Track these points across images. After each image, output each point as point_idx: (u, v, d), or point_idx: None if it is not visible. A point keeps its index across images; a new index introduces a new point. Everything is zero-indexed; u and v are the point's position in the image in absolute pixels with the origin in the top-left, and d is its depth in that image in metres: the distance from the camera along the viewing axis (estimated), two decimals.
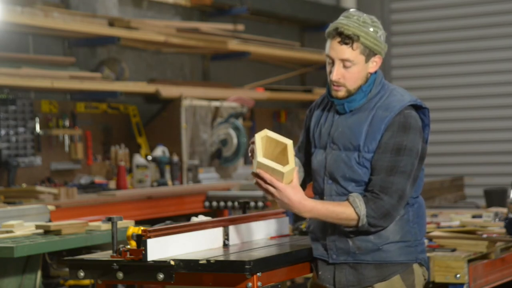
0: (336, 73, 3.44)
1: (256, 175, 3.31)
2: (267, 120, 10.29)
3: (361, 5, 11.17)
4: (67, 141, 7.44)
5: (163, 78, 8.65)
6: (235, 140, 8.53)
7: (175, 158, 7.92)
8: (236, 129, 8.56)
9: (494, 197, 8.14)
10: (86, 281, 5.80)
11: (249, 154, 3.43)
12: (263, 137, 3.32)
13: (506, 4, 10.85)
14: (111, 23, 7.68)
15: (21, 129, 6.96)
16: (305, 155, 3.71)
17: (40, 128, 7.19)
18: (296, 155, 3.67)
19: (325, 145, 3.54)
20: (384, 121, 3.42)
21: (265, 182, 3.30)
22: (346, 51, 3.42)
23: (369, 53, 3.45)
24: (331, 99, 3.54)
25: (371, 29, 3.44)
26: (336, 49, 3.43)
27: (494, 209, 6.05)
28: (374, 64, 3.49)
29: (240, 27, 9.35)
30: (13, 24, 6.89)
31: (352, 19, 3.43)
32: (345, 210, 3.38)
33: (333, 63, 3.45)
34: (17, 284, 4.64)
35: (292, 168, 3.28)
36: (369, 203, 3.37)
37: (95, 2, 7.83)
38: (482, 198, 8.82)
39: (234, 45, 8.98)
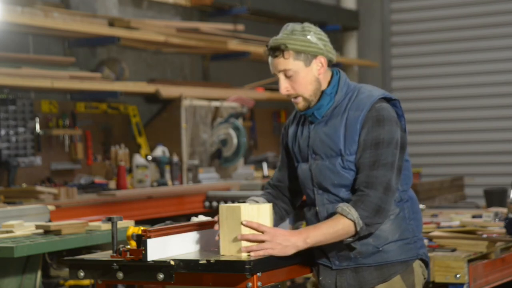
0: (282, 87, 3.51)
1: (245, 225, 3.29)
2: (267, 120, 10.29)
3: (361, 5, 11.14)
4: (67, 141, 7.44)
5: (163, 78, 8.65)
6: (235, 140, 8.53)
7: (175, 158, 7.91)
8: (236, 129, 8.55)
9: (494, 197, 8.12)
10: (86, 281, 5.80)
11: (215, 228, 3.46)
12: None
13: (506, 4, 10.85)
14: (111, 23, 7.68)
15: (21, 129, 6.96)
16: (288, 172, 3.71)
17: (40, 128, 7.18)
18: (277, 176, 3.73)
19: (306, 157, 3.55)
20: (358, 120, 3.43)
21: (255, 230, 3.29)
22: (280, 63, 3.51)
23: (305, 57, 3.47)
24: (301, 113, 3.56)
25: (299, 35, 3.48)
26: (272, 64, 3.54)
27: (494, 209, 6.06)
28: (320, 65, 3.50)
29: (240, 27, 9.35)
30: (13, 24, 6.89)
31: (282, 32, 3.54)
32: (338, 223, 3.35)
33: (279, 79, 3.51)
34: (17, 284, 4.64)
35: (270, 205, 3.39)
36: (357, 204, 3.35)
37: (95, 2, 7.83)
38: (482, 198, 8.81)
39: (234, 45, 8.98)
